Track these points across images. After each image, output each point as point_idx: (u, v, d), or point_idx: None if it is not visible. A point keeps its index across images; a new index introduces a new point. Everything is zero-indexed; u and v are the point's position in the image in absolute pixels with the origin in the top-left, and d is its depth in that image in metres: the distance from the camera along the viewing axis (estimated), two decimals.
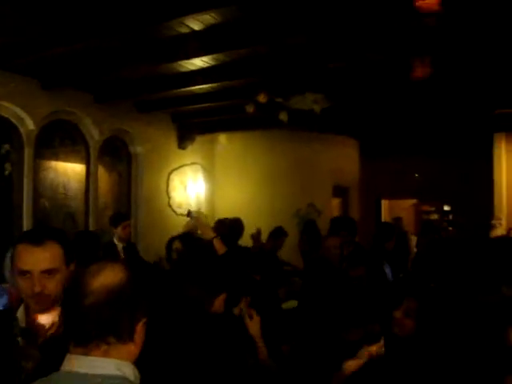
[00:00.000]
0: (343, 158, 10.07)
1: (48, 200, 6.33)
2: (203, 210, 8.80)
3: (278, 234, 6.48)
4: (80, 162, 6.76)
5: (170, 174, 8.17)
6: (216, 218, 7.36)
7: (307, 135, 8.91)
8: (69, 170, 6.60)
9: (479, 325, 2.10)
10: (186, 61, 5.08)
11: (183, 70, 5.43)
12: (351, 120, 8.06)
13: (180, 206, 8.35)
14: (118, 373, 1.22)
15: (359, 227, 10.71)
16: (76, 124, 6.63)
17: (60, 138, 6.48)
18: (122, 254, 5.49)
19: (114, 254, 5.38)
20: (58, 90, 6.01)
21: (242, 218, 6.21)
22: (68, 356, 1.25)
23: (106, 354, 1.23)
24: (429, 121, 7.99)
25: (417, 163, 11.40)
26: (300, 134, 8.79)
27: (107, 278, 1.26)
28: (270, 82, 5.71)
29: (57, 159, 6.44)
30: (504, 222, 9.54)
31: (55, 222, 6.29)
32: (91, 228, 6.73)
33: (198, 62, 5.16)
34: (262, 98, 5.53)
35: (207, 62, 5.15)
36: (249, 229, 6.27)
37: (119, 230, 5.54)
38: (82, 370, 1.21)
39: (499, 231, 9.36)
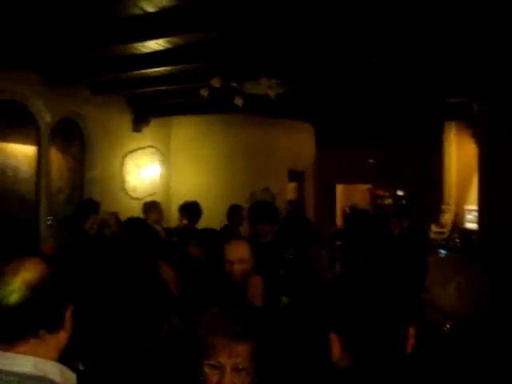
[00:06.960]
0: (299, 143, 10.17)
1: None
2: (159, 193, 8.76)
3: (233, 211, 6.56)
4: (31, 144, 6.58)
5: (124, 157, 8.08)
6: (172, 201, 7.36)
7: (263, 120, 8.95)
8: (18, 153, 6.42)
9: None
10: (141, 43, 5.01)
11: (138, 52, 5.34)
12: (307, 105, 8.12)
13: (135, 190, 8.29)
14: (35, 372, 1.17)
15: (315, 211, 10.96)
16: (26, 105, 6.44)
17: (8, 119, 6.25)
18: None
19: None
20: (5, 70, 5.77)
21: (198, 202, 6.24)
22: None
23: (34, 348, 1.20)
24: (383, 107, 8.14)
25: (371, 149, 11.54)
26: (255, 118, 8.82)
27: (28, 274, 1.21)
28: (224, 67, 5.68)
29: (5, 141, 6.22)
30: (453, 206, 9.93)
31: (3, 206, 6.14)
32: (42, 211, 6.60)
33: (153, 45, 5.09)
34: (216, 83, 5.52)
35: (162, 45, 5.09)
36: (205, 212, 6.30)
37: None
38: None
39: (448, 215, 9.75)
